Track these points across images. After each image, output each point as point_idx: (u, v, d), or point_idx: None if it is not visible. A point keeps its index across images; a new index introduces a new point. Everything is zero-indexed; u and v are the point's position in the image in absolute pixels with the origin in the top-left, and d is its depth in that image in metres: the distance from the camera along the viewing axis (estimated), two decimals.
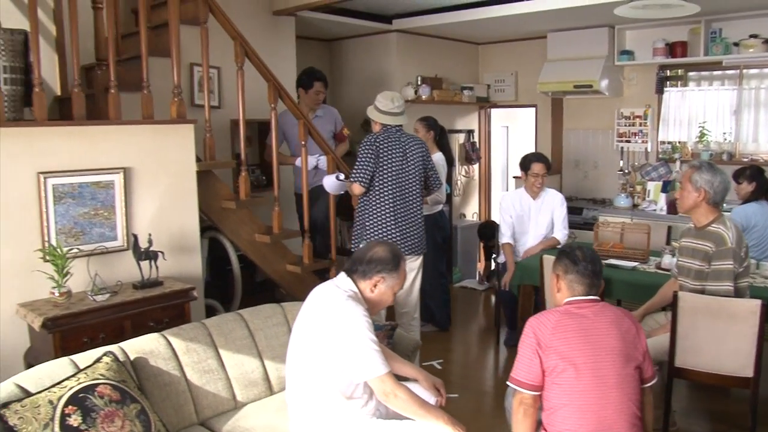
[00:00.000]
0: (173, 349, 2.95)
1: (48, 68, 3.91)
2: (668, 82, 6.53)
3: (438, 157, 5.46)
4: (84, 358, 2.69)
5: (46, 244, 3.32)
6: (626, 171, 6.82)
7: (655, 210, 6.25)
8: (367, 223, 4.26)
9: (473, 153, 7.83)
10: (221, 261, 4.92)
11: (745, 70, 6.13)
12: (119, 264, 3.64)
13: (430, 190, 4.55)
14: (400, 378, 2.72)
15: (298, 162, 4.79)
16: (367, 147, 4.19)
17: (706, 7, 4.81)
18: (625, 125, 6.83)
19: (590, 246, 4.68)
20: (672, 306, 3.48)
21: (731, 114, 6.16)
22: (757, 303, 3.30)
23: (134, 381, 2.70)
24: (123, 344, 2.87)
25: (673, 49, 6.22)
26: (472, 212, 8.21)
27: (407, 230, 4.28)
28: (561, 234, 5.14)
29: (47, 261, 3.24)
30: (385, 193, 4.21)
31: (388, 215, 4.21)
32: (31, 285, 3.29)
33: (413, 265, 4.33)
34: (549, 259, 4.21)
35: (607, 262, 4.34)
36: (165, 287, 3.55)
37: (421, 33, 6.97)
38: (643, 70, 6.68)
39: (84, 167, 3.47)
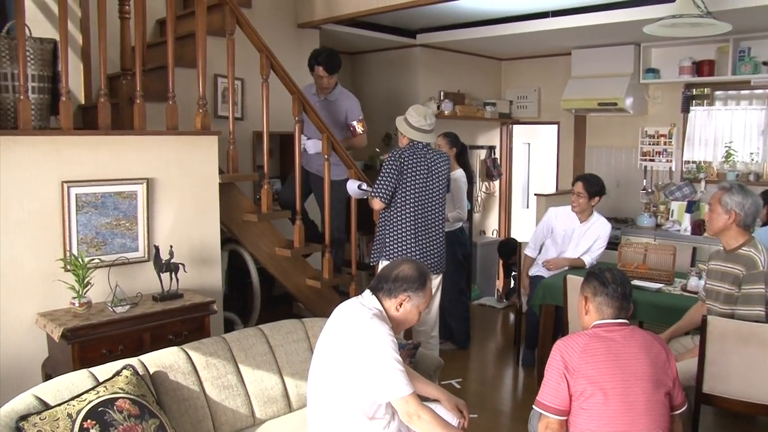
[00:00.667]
0: (193, 364, 2.92)
1: (73, 77, 3.94)
2: (694, 101, 6.45)
3: (459, 174, 5.42)
4: (103, 370, 2.66)
5: (68, 254, 3.31)
6: (650, 190, 6.73)
7: (679, 230, 6.16)
8: (387, 239, 4.21)
9: (494, 169, 7.78)
10: (240, 274, 4.89)
11: None
12: (140, 275, 3.62)
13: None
14: (422, 398, 2.67)
15: (307, 144, 4.77)
16: (391, 162, 4.15)
17: (736, 26, 4.74)
18: (650, 144, 6.75)
19: (615, 266, 4.61)
20: (700, 330, 3.39)
21: (759, 134, 6.06)
22: None
23: (153, 395, 2.66)
24: (142, 357, 2.84)
25: (700, 67, 6.15)
26: (492, 229, 8.15)
27: (428, 248, 4.23)
28: (588, 259, 4.98)
29: (68, 271, 3.23)
30: (407, 209, 4.16)
31: (408, 232, 4.16)
32: (52, 294, 3.28)
33: (433, 284, 4.27)
34: (573, 280, 4.14)
35: (631, 282, 4.25)
36: (185, 300, 3.52)
37: (444, 48, 6.96)
38: (668, 88, 6.60)
39: (107, 177, 3.46)
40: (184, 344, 3.03)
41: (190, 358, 2.93)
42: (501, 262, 7.41)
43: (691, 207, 6.16)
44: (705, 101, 6.41)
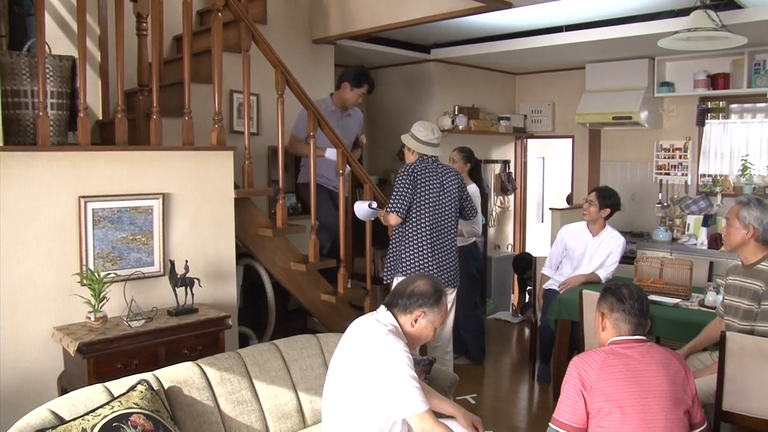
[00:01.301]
0: (207, 379, 2.91)
1: (91, 93, 3.97)
2: (709, 114, 6.41)
3: (473, 189, 5.40)
4: (118, 385, 2.66)
5: (84, 268, 3.33)
6: (665, 204, 6.68)
7: (695, 244, 6.10)
8: (403, 255, 4.20)
9: (509, 183, 7.76)
10: (255, 288, 4.90)
11: None
12: (155, 290, 3.63)
13: (465, 218, 4.49)
14: (437, 415, 2.65)
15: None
16: (404, 177, 4.15)
17: (751, 39, 4.72)
18: (665, 157, 6.72)
19: (631, 281, 4.58)
20: (719, 346, 3.35)
21: None
22: None
23: (167, 411, 2.66)
24: (157, 372, 2.84)
25: (715, 80, 6.13)
26: (507, 243, 8.12)
27: (444, 262, 4.22)
28: (603, 274, 4.93)
29: (84, 285, 3.25)
30: (423, 224, 4.16)
31: (425, 247, 4.15)
32: (68, 309, 3.30)
33: (448, 299, 4.26)
34: (589, 295, 4.11)
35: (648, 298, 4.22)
36: (200, 314, 3.53)
37: (458, 63, 6.98)
38: (683, 101, 6.57)
39: (124, 192, 3.49)
40: (199, 359, 3.03)
41: (204, 373, 2.93)
42: (516, 276, 7.38)
43: (708, 221, 6.11)
44: (720, 114, 6.37)
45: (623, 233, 6.73)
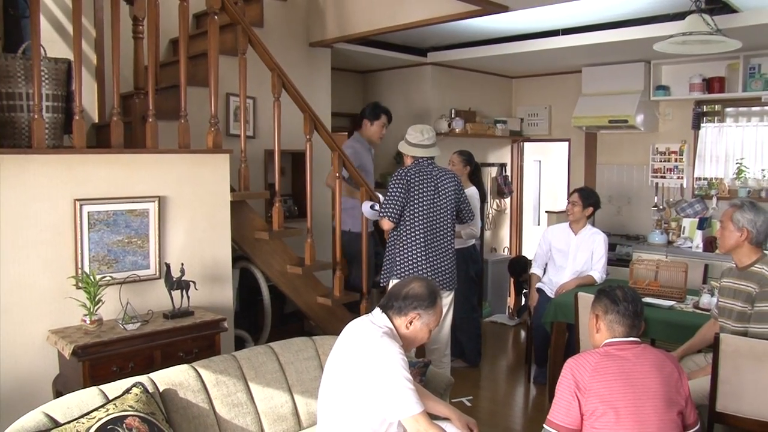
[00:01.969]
0: (203, 382, 2.91)
1: (87, 96, 3.97)
2: (705, 118, 6.44)
3: (472, 192, 5.41)
4: (113, 388, 2.66)
5: (80, 271, 3.32)
6: (661, 207, 6.70)
7: (690, 247, 6.12)
8: (397, 258, 4.21)
9: (505, 187, 7.78)
10: (251, 291, 4.90)
11: None
12: (151, 293, 3.63)
13: (462, 221, 4.51)
14: (432, 417, 2.66)
15: (364, 206, 4.66)
16: (397, 181, 4.15)
17: (746, 43, 4.75)
18: (660, 161, 6.73)
19: (626, 283, 4.59)
20: (713, 348, 3.36)
21: None
22: None
23: (162, 413, 2.66)
24: (152, 375, 2.84)
25: (711, 84, 6.16)
26: (503, 246, 8.13)
27: (439, 265, 4.22)
28: (597, 274, 4.99)
29: (80, 288, 3.24)
30: (416, 228, 4.16)
31: (419, 250, 4.16)
32: (63, 312, 3.29)
33: (445, 301, 4.26)
34: (584, 297, 4.12)
35: (642, 300, 4.23)
36: (196, 317, 3.52)
37: (455, 66, 7.00)
38: (679, 105, 6.59)
39: (119, 195, 3.49)
40: (195, 362, 3.02)
41: (200, 375, 2.93)
42: (512, 279, 7.39)
43: (703, 224, 6.13)
44: (716, 118, 6.40)
45: (620, 236, 6.78)
